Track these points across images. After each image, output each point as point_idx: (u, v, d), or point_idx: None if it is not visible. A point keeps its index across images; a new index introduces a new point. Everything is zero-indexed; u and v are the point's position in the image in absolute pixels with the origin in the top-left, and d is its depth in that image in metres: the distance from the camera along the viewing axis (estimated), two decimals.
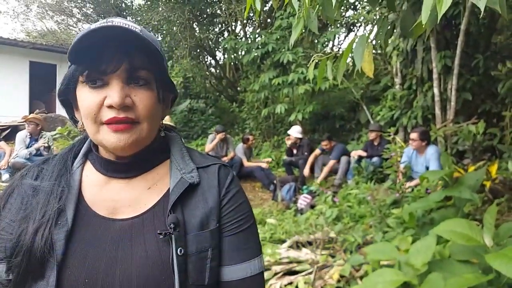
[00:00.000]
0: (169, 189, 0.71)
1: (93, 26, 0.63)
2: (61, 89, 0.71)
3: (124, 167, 0.72)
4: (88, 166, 0.75)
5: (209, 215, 0.70)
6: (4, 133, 7.53)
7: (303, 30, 1.87)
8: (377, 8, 5.83)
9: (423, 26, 1.04)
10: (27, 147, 5.70)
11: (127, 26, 0.63)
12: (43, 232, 0.63)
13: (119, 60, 0.64)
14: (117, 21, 0.64)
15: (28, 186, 0.70)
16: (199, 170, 0.74)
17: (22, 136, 5.70)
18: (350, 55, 1.68)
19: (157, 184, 0.73)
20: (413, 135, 4.46)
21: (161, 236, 0.65)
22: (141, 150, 0.71)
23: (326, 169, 5.95)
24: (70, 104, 0.74)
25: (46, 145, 5.75)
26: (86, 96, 0.66)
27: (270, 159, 6.98)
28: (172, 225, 0.65)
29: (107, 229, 0.68)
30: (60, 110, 10.53)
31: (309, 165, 6.18)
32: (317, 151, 6.33)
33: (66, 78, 0.69)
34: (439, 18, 0.90)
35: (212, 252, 0.69)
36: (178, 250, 0.64)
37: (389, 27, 1.79)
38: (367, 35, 1.57)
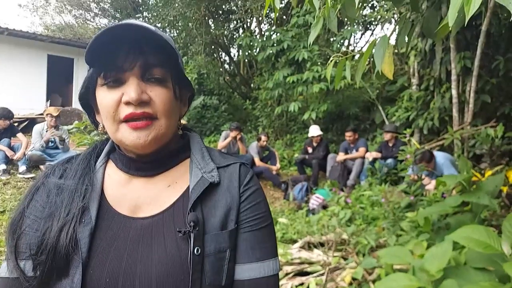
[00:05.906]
0: (188, 187, 0.71)
1: (107, 27, 0.63)
2: (81, 92, 0.72)
3: (145, 165, 0.72)
4: (111, 165, 0.76)
5: (228, 215, 0.69)
6: (21, 126, 7.66)
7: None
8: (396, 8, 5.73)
9: (449, 28, 1.01)
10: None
11: (139, 24, 0.64)
12: (68, 229, 0.64)
13: (134, 57, 0.65)
14: (131, 21, 0.65)
15: (53, 185, 0.71)
16: (219, 169, 0.74)
17: (39, 128, 5.77)
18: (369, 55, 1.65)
19: (177, 182, 0.73)
20: (430, 165, 4.46)
21: (180, 234, 0.64)
22: (162, 149, 0.71)
23: (357, 154, 5.91)
24: (91, 108, 0.75)
25: (61, 137, 5.78)
26: (104, 96, 0.67)
27: (279, 166, 6.84)
28: (192, 223, 0.65)
29: (128, 228, 0.68)
30: (77, 104, 10.69)
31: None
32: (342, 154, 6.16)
33: (85, 81, 0.70)
34: (466, 20, 0.87)
35: (230, 253, 0.68)
36: (195, 249, 0.63)
37: (410, 28, 1.75)
38: (388, 35, 1.54)
